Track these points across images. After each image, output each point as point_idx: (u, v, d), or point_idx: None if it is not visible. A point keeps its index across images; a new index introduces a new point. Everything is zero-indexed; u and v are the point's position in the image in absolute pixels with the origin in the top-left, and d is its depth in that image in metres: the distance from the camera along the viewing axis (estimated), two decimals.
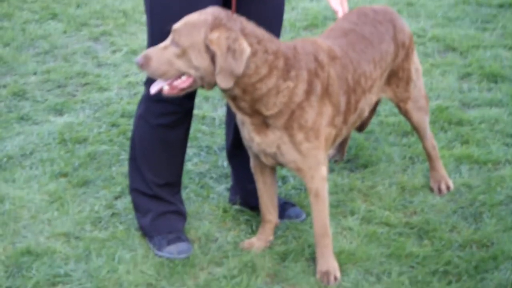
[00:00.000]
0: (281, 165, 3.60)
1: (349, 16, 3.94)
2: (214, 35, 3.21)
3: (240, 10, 3.48)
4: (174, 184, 3.88)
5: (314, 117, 3.47)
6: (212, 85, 3.31)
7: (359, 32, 3.81)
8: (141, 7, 6.99)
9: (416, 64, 4.11)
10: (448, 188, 4.23)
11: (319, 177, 3.57)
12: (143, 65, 3.27)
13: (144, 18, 6.75)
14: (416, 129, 4.23)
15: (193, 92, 3.65)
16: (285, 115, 3.42)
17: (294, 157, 3.51)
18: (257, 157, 3.66)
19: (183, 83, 3.30)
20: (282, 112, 3.41)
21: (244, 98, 3.37)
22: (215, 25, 3.24)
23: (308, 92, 3.44)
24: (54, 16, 6.86)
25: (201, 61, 3.24)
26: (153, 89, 3.35)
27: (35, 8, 7.09)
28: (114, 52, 6.15)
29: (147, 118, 3.73)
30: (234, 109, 3.46)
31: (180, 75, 3.28)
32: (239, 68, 3.23)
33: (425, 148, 4.26)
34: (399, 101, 4.08)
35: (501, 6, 6.86)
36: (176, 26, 3.27)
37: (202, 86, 3.32)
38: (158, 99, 3.58)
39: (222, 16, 3.27)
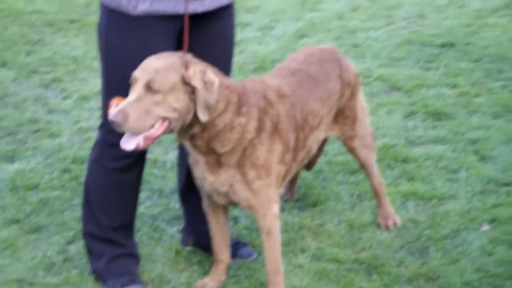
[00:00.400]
0: (234, 204, 3.66)
1: (295, 56, 4.06)
2: (191, 72, 3.27)
3: (192, 51, 3.56)
4: (128, 226, 3.93)
5: (265, 154, 3.55)
6: (183, 126, 3.33)
7: (306, 71, 3.91)
8: (92, 53, 7.06)
9: (362, 102, 4.22)
10: (395, 224, 4.33)
11: (271, 215, 3.64)
12: (121, 123, 3.19)
13: (95, 64, 6.82)
14: (363, 166, 4.34)
15: None
16: (237, 152, 3.49)
17: (246, 195, 3.57)
18: (209, 197, 3.72)
19: (157, 130, 3.26)
20: (235, 149, 3.48)
21: (202, 135, 3.42)
22: (186, 63, 3.30)
23: (259, 129, 3.53)
24: (4, 64, 6.88)
25: (181, 101, 3.27)
26: (130, 146, 3.28)
27: None
28: (65, 98, 6.18)
29: (101, 162, 3.78)
30: (189, 148, 3.51)
31: (155, 123, 3.27)
32: (213, 99, 3.31)
33: (372, 185, 4.37)
34: (346, 139, 4.18)
35: (443, 45, 7.05)
36: (145, 74, 3.24)
37: (171, 131, 3.33)
38: (112, 144, 3.65)
39: (184, 55, 3.35)
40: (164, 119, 3.26)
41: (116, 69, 3.62)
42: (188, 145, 3.50)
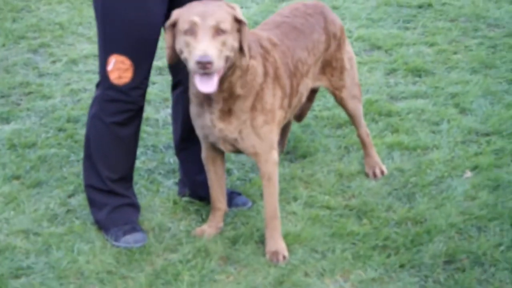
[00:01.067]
0: (238, 151, 3.84)
1: (281, 11, 4.26)
2: (238, 10, 3.52)
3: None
4: (128, 178, 4.09)
5: (271, 99, 3.75)
6: (230, 66, 3.53)
7: (291, 23, 4.09)
8: (76, 19, 7.17)
9: (350, 53, 4.40)
10: (382, 172, 4.52)
11: (272, 161, 3.83)
12: (211, 63, 3.34)
13: (80, 29, 6.95)
14: (351, 117, 4.52)
15: (145, 90, 3.90)
16: (252, 95, 3.68)
17: (254, 141, 3.75)
18: (210, 148, 3.90)
19: (221, 70, 3.47)
20: (250, 92, 3.67)
21: (231, 77, 3.59)
22: (229, 4, 3.54)
23: (265, 74, 3.73)
24: None
25: (236, 39, 3.50)
26: (213, 87, 3.42)
27: None
28: (54, 62, 6.29)
29: (101, 117, 3.93)
30: (206, 98, 3.66)
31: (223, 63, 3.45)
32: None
33: (359, 135, 4.55)
34: (334, 89, 4.35)
35: (420, 6, 7.23)
36: (209, 18, 3.40)
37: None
38: (112, 99, 3.84)
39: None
40: (226, 59, 3.46)
41: (113, 29, 3.77)
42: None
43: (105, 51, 3.82)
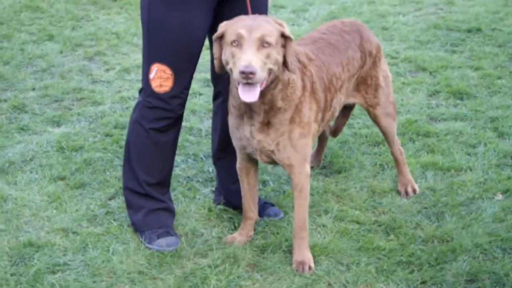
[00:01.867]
0: (273, 162, 3.97)
1: (319, 27, 4.40)
2: (285, 27, 3.67)
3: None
4: (164, 183, 4.25)
5: (308, 112, 3.88)
6: (273, 79, 3.67)
7: (327, 40, 4.22)
8: (132, 29, 7.40)
9: (385, 72, 4.49)
10: (414, 191, 4.61)
11: (305, 174, 3.95)
12: (254, 73, 3.44)
13: (135, 39, 7.17)
14: (384, 134, 4.61)
15: (185, 100, 4.06)
16: (290, 109, 3.82)
17: (290, 153, 3.88)
18: (245, 159, 4.04)
19: (263, 82, 3.60)
20: (290, 105, 3.81)
21: (274, 90, 3.73)
22: (275, 20, 3.69)
23: (304, 88, 3.86)
24: (50, 37, 7.24)
25: (280, 53, 3.65)
26: (254, 97, 3.52)
27: (33, 30, 7.47)
28: (107, 70, 6.53)
29: (141, 123, 4.10)
30: (248, 110, 3.79)
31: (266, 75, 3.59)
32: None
33: (393, 153, 4.65)
34: (369, 106, 4.45)
35: (469, 31, 7.30)
36: (256, 31, 3.53)
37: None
38: (152, 106, 4.01)
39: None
40: (269, 71, 3.60)
41: (157, 39, 3.94)
42: (254, 105, 3.77)
43: (149, 59, 4.00)
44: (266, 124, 3.82)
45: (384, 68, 4.49)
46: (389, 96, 4.51)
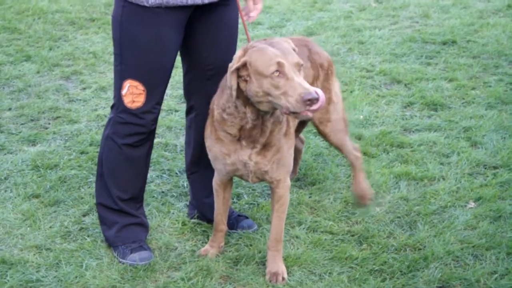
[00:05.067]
0: (262, 181, 3.98)
1: None
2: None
3: (202, 39, 4.05)
4: (138, 198, 4.26)
5: (292, 122, 3.95)
6: None
7: None
8: (110, 48, 7.42)
9: (336, 88, 4.46)
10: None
11: (287, 185, 4.00)
12: (316, 99, 3.45)
13: (112, 58, 7.18)
14: (336, 148, 4.61)
15: (157, 115, 4.08)
16: (285, 122, 3.86)
17: (281, 169, 3.91)
18: (226, 179, 4.05)
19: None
20: (283, 118, 3.85)
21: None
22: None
23: None
24: (28, 58, 7.25)
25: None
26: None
27: (10, 51, 7.47)
28: (84, 89, 6.55)
29: (114, 139, 4.11)
30: (252, 135, 3.80)
31: None
32: None
33: (349, 160, 4.59)
34: (319, 123, 4.41)
35: (444, 43, 7.37)
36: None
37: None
38: (125, 122, 4.03)
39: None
40: None
41: (130, 55, 3.96)
42: (256, 131, 3.77)
43: (121, 75, 4.02)
44: (265, 145, 3.85)
45: (336, 85, 4.47)
46: (340, 113, 4.47)
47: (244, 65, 3.61)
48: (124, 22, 3.93)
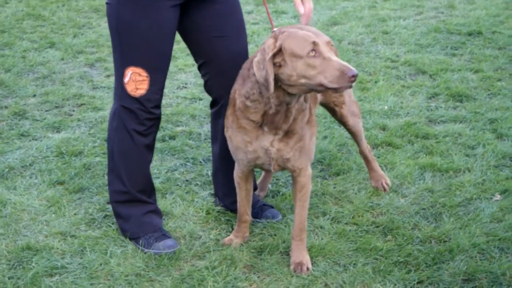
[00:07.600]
0: (284, 169, 3.97)
1: None
2: None
3: (207, 28, 4.03)
4: (149, 186, 4.25)
5: (314, 109, 3.95)
6: None
7: None
8: None
9: None
10: (387, 184, 4.66)
11: (309, 174, 3.99)
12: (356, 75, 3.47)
13: None
14: (352, 134, 4.64)
15: (160, 100, 4.08)
16: (307, 109, 3.84)
17: (303, 157, 3.91)
18: (247, 170, 4.03)
19: None
20: (307, 105, 3.84)
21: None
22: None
23: None
24: (52, 45, 7.28)
25: None
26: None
27: (35, 38, 7.51)
28: (108, 76, 6.56)
29: (123, 128, 4.06)
30: (275, 121, 3.77)
31: None
32: None
33: (361, 151, 4.69)
34: (335, 106, 4.48)
35: (470, 34, 7.32)
36: (323, 37, 3.55)
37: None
38: (131, 110, 4.00)
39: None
40: None
41: (129, 42, 3.91)
42: (283, 114, 3.75)
43: (122, 64, 3.97)
44: (287, 132, 3.83)
45: None
46: (351, 96, 4.57)
47: (279, 51, 3.58)
48: (121, 9, 3.89)
